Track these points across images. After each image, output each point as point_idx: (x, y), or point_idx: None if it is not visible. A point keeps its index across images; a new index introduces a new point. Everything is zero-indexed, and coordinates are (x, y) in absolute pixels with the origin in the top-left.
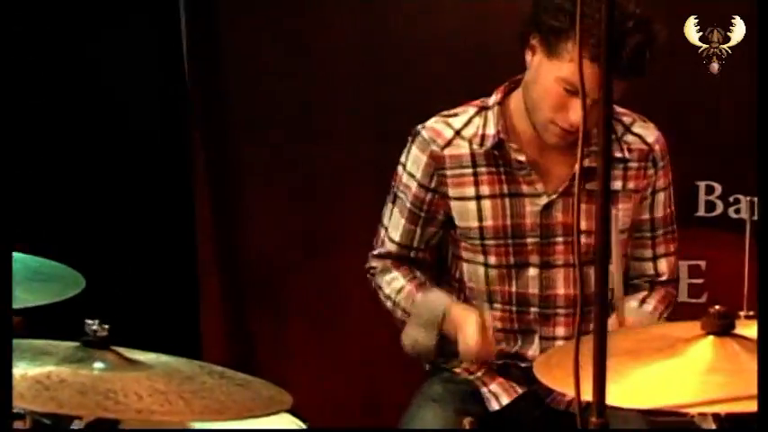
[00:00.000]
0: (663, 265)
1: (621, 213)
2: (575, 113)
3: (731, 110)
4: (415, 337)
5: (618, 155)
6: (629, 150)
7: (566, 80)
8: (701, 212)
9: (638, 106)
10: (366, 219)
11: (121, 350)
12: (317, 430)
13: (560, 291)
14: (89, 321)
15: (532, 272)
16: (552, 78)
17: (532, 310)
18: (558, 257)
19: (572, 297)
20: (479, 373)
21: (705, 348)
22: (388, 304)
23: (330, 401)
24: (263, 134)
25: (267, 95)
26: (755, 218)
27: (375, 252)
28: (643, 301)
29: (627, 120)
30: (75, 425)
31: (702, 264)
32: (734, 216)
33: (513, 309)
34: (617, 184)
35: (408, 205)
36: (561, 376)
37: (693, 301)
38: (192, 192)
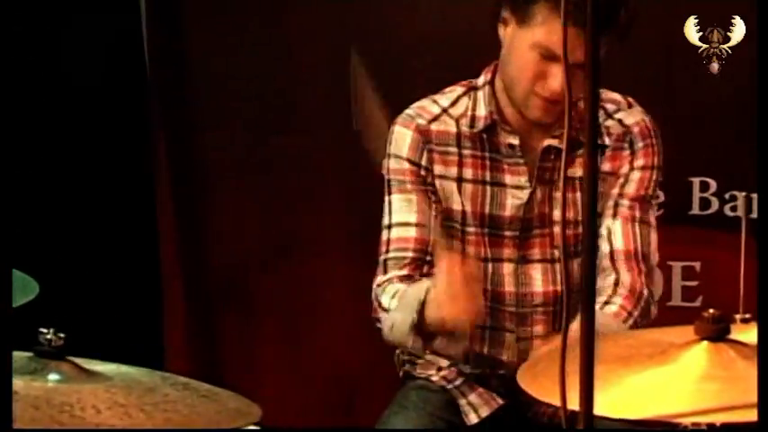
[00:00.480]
0: (619, 239)
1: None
2: (555, 80)
3: (726, 102)
4: (391, 321)
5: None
6: (608, 135)
7: (540, 45)
8: (696, 210)
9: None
10: (337, 219)
11: (78, 360)
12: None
13: (538, 288)
14: (43, 330)
15: (507, 268)
16: (527, 46)
17: (508, 309)
18: (535, 252)
19: (551, 294)
20: (457, 383)
21: (699, 355)
22: (381, 318)
23: (301, 412)
24: (228, 133)
25: (233, 92)
26: (752, 215)
27: (385, 260)
28: (606, 303)
29: (611, 107)
30: None
31: (697, 265)
32: (730, 214)
33: (488, 305)
34: (566, 172)
35: (405, 183)
36: (547, 385)
37: (687, 304)
38: (153, 192)
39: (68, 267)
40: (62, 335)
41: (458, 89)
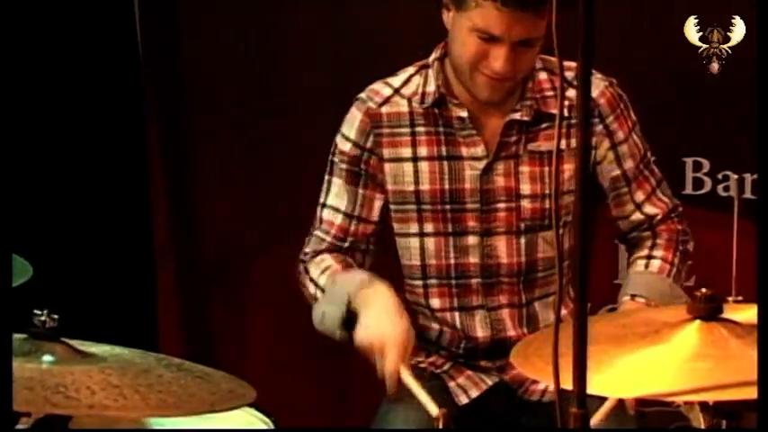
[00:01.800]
0: (650, 207)
1: (567, 174)
2: (496, 60)
3: (720, 81)
4: (322, 311)
5: (555, 111)
6: (571, 107)
7: (477, 28)
8: (689, 190)
9: (620, 75)
10: None
11: (72, 342)
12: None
13: (503, 260)
14: (37, 312)
15: (472, 240)
16: (466, 30)
17: (473, 281)
18: (500, 224)
19: (516, 266)
20: (446, 367)
21: (691, 334)
22: (308, 289)
23: (295, 393)
24: (220, 116)
25: (224, 76)
26: (745, 196)
27: (313, 232)
28: (649, 257)
29: (569, 74)
30: (22, 423)
31: (690, 245)
32: (723, 194)
33: (453, 282)
34: (560, 143)
35: (344, 167)
36: (540, 365)
37: None
38: (146, 174)
39: (62, 250)
40: (56, 316)
41: (410, 69)
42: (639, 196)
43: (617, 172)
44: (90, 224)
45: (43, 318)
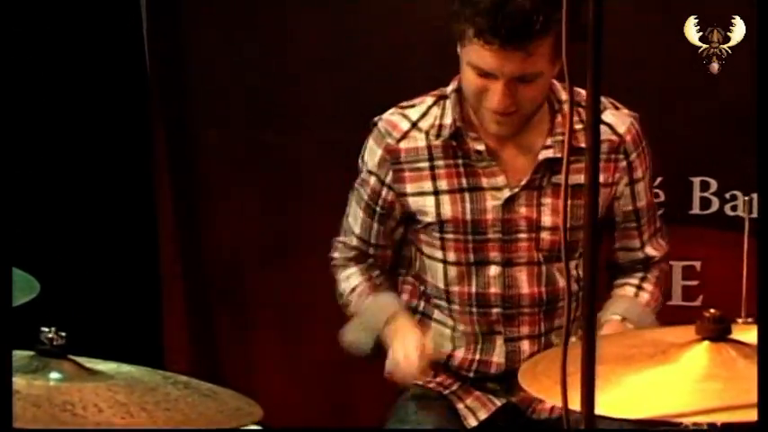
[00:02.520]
0: (651, 249)
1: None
2: (493, 96)
3: (727, 101)
4: (353, 337)
5: (584, 145)
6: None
7: (471, 64)
8: (696, 210)
9: (628, 95)
10: (335, 217)
11: (79, 359)
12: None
13: (524, 290)
14: (44, 329)
15: (494, 270)
16: (465, 64)
17: (494, 310)
18: (522, 254)
19: (537, 296)
20: (454, 388)
21: (700, 354)
22: (342, 300)
23: (300, 409)
24: (227, 132)
25: (232, 92)
26: (754, 215)
27: (338, 239)
28: (639, 288)
29: (606, 118)
30: None
31: (697, 264)
32: (730, 213)
33: (474, 310)
34: (580, 178)
35: (366, 198)
36: (548, 385)
37: (688, 304)
38: (153, 190)
39: (69, 267)
40: (63, 334)
41: (428, 99)
42: (645, 236)
43: (630, 207)
44: (97, 242)
45: (50, 335)
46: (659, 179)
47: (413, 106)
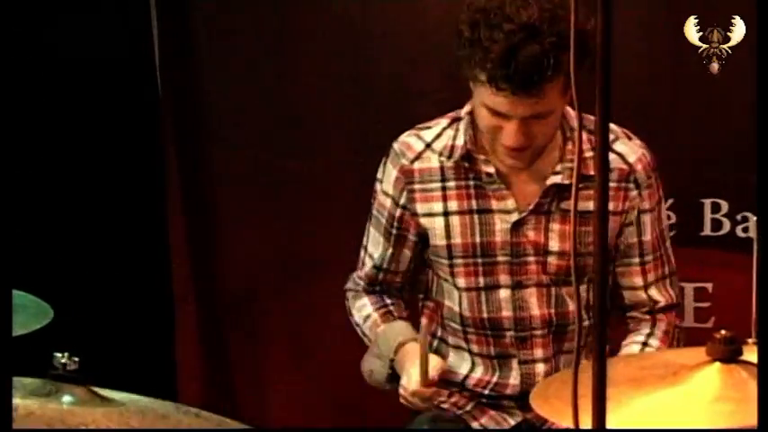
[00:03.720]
0: (656, 292)
1: (593, 236)
2: (507, 135)
3: (739, 123)
4: (370, 366)
5: (592, 173)
6: (608, 170)
7: (484, 104)
8: (707, 231)
9: (637, 118)
10: (347, 241)
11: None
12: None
13: (535, 311)
14: (57, 354)
15: (504, 293)
16: (479, 104)
17: (508, 333)
18: (531, 277)
19: (547, 317)
20: (469, 407)
21: (711, 376)
22: (357, 330)
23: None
24: (239, 156)
25: (245, 116)
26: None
27: (354, 274)
28: (645, 344)
29: (609, 137)
30: None
31: (709, 286)
32: (742, 235)
33: (488, 333)
34: (589, 205)
35: (384, 222)
36: (559, 407)
37: (700, 325)
38: (165, 216)
39: (82, 293)
40: (76, 359)
41: (443, 121)
42: (650, 277)
43: (634, 239)
44: (110, 268)
45: (63, 360)
46: (670, 201)
47: (428, 128)
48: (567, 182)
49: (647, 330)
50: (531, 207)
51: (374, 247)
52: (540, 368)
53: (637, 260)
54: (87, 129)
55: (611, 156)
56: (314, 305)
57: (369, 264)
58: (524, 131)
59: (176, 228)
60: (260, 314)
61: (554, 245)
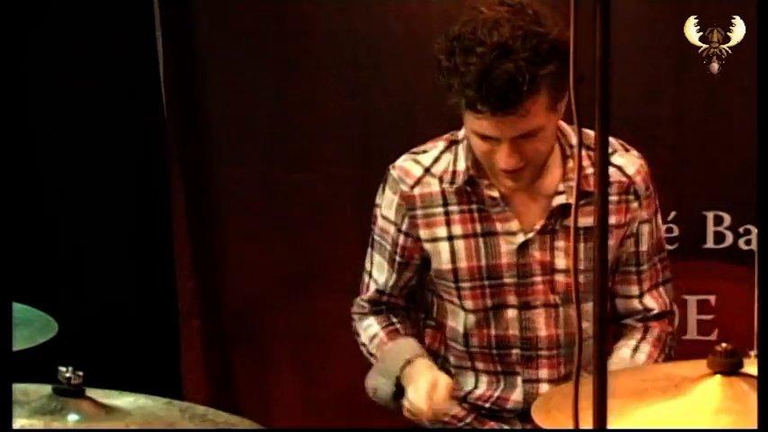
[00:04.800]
0: (650, 300)
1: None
2: (499, 158)
3: (741, 136)
4: (375, 384)
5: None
6: (608, 183)
7: (473, 130)
8: (710, 244)
9: (640, 131)
10: (350, 257)
11: (97, 395)
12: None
13: (542, 332)
14: (62, 368)
15: (511, 313)
16: (469, 131)
17: (514, 351)
18: (538, 297)
19: (554, 338)
20: (469, 419)
21: (712, 388)
22: (363, 351)
23: None
24: (244, 171)
25: (249, 131)
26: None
27: (359, 299)
28: (636, 349)
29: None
30: None
31: (712, 299)
32: (745, 248)
33: (494, 351)
34: (591, 220)
35: (388, 248)
36: (561, 419)
37: (703, 338)
38: (170, 230)
39: (87, 307)
40: (80, 373)
41: (440, 144)
42: (645, 286)
43: (632, 249)
44: (115, 283)
45: (68, 374)
46: (673, 213)
47: (425, 152)
48: (571, 201)
49: (639, 335)
50: (537, 228)
51: (379, 272)
52: (544, 388)
53: (633, 269)
54: (94, 146)
55: (611, 170)
56: (318, 319)
57: (373, 288)
58: (516, 152)
59: (181, 243)
60: (264, 329)
61: (560, 263)
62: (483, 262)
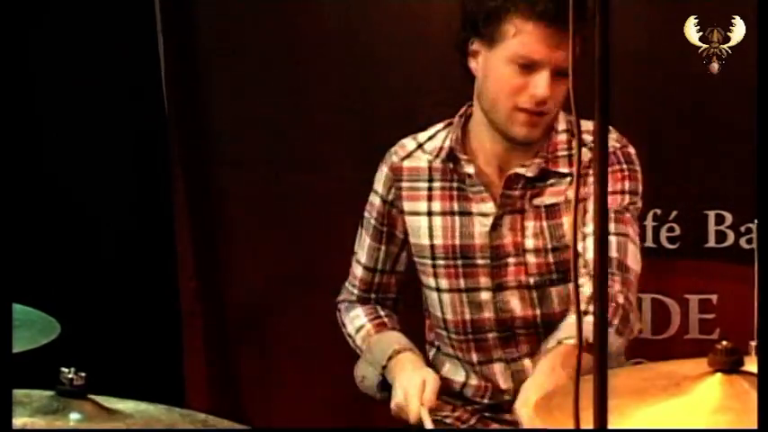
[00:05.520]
0: (590, 250)
1: (567, 227)
2: (537, 88)
3: (742, 136)
4: (363, 372)
5: (563, 170)
6: (574, 163)
7: (517, 55)
8: (712, 243)
9: (641, 130)
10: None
11: (99, 398)
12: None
13: (518, 313)
14: (64, 369)
15: (485, 295)
16: (503, 64)
17: (491, 335)
18: (510, 279)
19: (531, 318)
20: (473, 421)
21: (713, 387)
22: (350, 342)
23: None
24: (246, 172)
25: (251, 131)
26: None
27: (347, 282)
28: (585, 312)
29: (587, 137)
30: None
31: (713, 297)
32: (746, 246)
33: (470, 337)
34: (559, 198)
35: (372, 222)
36: (562, 419)
37: (705, 337)
38: (172, 231)
39: (89, 308)
40: (83, 374)
41: (439, 125)
42: (587, 230)
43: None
44: (117, 283)
45: (70, 375)
46: (675, 213)
47: (425, 131)
48: (531, 174)
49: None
50: (499, 200)
51: (362, 249)
52: (527, 363)
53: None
54: (95, 146)
55: (585, 150)
56: (321, 319)
57: (359, 268)
58: (552, 86)
59: (184, 243)
60: (267, 328)
61: (530, 243)
62: (457, 241)
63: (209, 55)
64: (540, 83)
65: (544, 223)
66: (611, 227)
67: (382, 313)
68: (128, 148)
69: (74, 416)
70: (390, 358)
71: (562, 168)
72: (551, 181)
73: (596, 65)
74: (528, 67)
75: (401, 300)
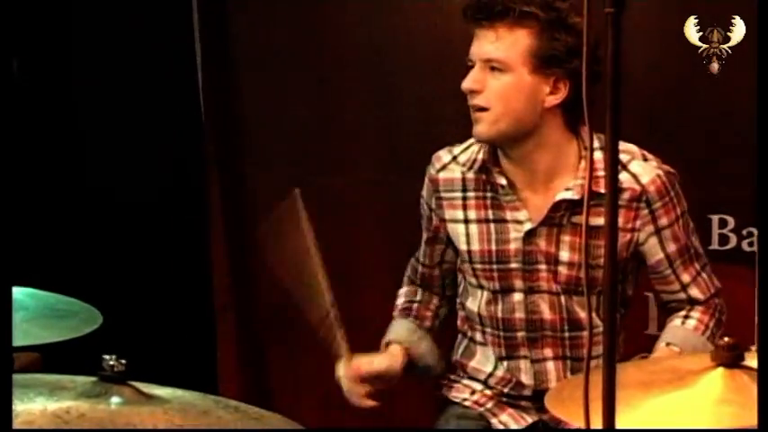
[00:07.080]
0: (695, 290)
1: (603, 250)
2: (465, 80)
3: (745, 139)
4: None
5: (602, 190)
6: (619, 189)
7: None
8: (715, 246)
9: (644, 134)
10: (380, 249)
11: (138, 384)
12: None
13: (546, 315)
14: (106, 357)
15: (518, 297)
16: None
17: (519, 334)
18: (542, 284)
19: (557, 321)
20: (489, 405)
21: (715, 380)
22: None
23: None
24: (279, 168)
25: (283, 137)
26: None
27: (412, 258)
28: (686, 317)
29: (625, 157)
30: None
31: (724, 316)
32: (748, 249)
33: (501, 333)
34: (600, 220)
35: (424, 223)
36: (573, 408)
37: None
38: (207, 225)
39: (130, 299)
40: (123, 361)
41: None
42: (685, 278)
43: (660, 256)
44: (156, 275)
45: (111, 362)
46: (697, 245)
47: (461, 144)
48: (577, 197)
49: (688, 307)
50: (540, 219)
51: (423, 252)
52: (551, 366)
53: (669, 271)
54: (136, 149)
55: (626, 176)
56: (350, 316)
57: (416, 254)
58: (481, 79)
59: (217, 242)
60: (296, 324)
61: (564, 255)
62: (493, 246)
63: (244, 63)
64: (467, 77)
65: (584, 240)
66: (694, 266)
67: (416, 298)
68: (166, 150)
69: (114, 400)
70: (385, 346)
71: (601, 189)
72: (593, 201)
73: (608, 85)
74: (469, 68)
75: (448, 284)
